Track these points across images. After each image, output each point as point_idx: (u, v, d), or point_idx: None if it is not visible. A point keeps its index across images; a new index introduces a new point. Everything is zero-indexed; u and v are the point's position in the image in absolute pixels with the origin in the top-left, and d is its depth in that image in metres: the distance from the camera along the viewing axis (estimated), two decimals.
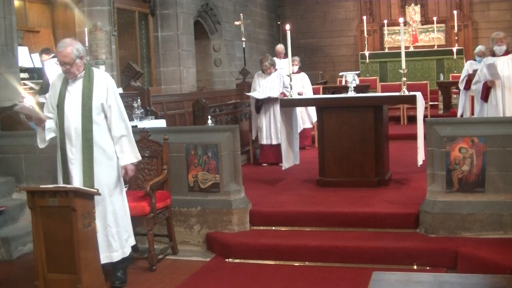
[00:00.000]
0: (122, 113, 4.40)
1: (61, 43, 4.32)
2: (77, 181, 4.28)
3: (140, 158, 4.53)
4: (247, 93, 8.94)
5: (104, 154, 4.36)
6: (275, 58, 8.82)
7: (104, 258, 4.35)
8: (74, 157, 4.29)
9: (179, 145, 5.38)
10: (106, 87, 4.35)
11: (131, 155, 4.42)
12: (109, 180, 4.39)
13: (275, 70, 8.19)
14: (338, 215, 5.23)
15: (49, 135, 4.36)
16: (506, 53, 7.03)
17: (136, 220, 4.71)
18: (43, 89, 7.86)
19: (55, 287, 4.07)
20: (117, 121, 4.36)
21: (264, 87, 8.07)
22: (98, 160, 4.32)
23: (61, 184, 4.31)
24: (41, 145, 4.43)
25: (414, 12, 16.38)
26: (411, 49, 15.42)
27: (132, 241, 4.61)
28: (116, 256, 4.42)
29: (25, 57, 8.36)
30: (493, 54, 7.16)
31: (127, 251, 4.52)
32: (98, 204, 4.29)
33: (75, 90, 4.32)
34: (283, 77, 8.05)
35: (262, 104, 8.07)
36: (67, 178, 4.32)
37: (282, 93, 7.95)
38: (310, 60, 17.82)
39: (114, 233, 4.40)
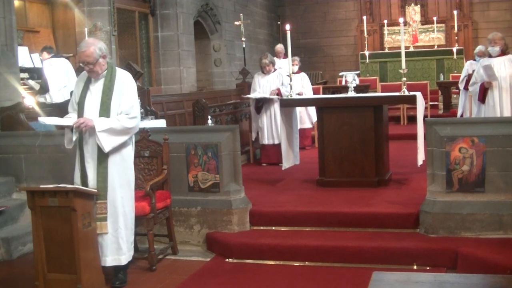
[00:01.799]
0: (134, 107, 4.37)
1: (83, 43, 4.33)
2: (91, 180, 4.28)
3: (102, 142, 4.23)
4: (244, 96, 8.94)
5: (119, 154, 4.36)
6: (275, 58, 8.81)
7: (113, 261, 4.35)
8: (89, 156, 4.30)
9: (179, 145, 5.38)
10: (126, 87, 4.35)
11: (102, 125, 4.20)
12: (122, 181, 4.38)
13: (275, 69, 8.18)
14: (338, 215, 5.23)
15: (76, 136, 4.34)
16: (502, 53, 7.03)
17: (136, 220, 4.69)
18: (42, 89, 7.88)
19: (55, 287, 4.08)
20: (126, 106, 4.33)
21: (264, 86, 8.06)
22: (112, 160, 4.31)
23: (77, 182, 4.31)
24: (68, 146, 4.42)
25: (414, 12, 16.38)
26: (411, 49, 15.43)
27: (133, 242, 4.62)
28: (125, 259, 4.41)
29: (25, 57, 8.36)
30: (490, 55, 7.17)
31: (132, 253, 4.52)
32: (110, 205, 4.29)
33: (96, 89, 4.33)
34: (283, 76, 8.03)
35: (262, 105, 8.06)
36: (84, 176, 4.31)
37: (277, 89, 7.91)
38: (310, 60, 17.82)
39: (124, 235, 4.39)
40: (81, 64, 4.33)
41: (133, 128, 4.39)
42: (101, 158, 4.28)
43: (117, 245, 4.36)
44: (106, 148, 4.24)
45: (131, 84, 4.44)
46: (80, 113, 4.32)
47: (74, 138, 4.34)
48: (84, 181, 4.29)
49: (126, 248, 4.41)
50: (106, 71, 4.34)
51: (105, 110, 4.27)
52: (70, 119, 4.34)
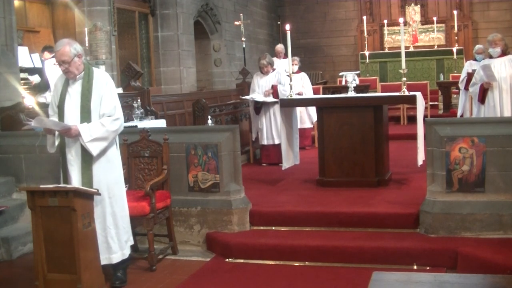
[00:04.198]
0: (116, 108, 4.32)
1: (58, 42, 4.31)
2: (75, 183, 4.26)
3: (91, 150, 4.20)
4: (242, 97, 8.92)
5: (104, 155, 4.34)
6: (274, 58, 8.79)
7: (103, 260, 4.34)
8: (73, 159, 4.29)
9: (179, 145, 5.37)
10: (104, 88, 4.30)
11: (89, 135, 4.17)
12: (109, 182, 4.37)
13: (273, 69, 8.17)
14: (338, 215, 5.23)
15: (58, 140, 4.33)
16: (503, 54, 7.04)
17: (136, 220, 4.71)
18: (42, 88, 7.87)
19: (55, 287, 4.07)
20: (108, 108, 4.28)
21: (262, 87, 8.06)
22: (97, 161, 4.30)
23: (61, 185, 4.31)
24: (51, 150, 4.40)
25: (414, 12, 16.38)
26: (411, 49, 15.42)
27: (131, 242, 4.61)
28: (116, 258, 4.41)
29: (25, 57, 8.36)
30: (490, 56, 7.19)
31: (127, 252, 4.51)
32: (97, 205, 4.28)
33: (74, 91, 4.29)
34: (280, 75, 8.03)
35: (261, 105, 8.06)
36: (66, 179, 4.32)
37: (274, 86, 7.90)
38: (310, 60, 17.81)
39: (114, 234, 4.39)
40: (56, 64, 4.29)
41: (117, 130, 4.37)
42: (86, 161, 4.26)
43: (106, 244, 4.36)
44: (94, 153, 4.24)
45: (111, 84, 4.39)
46: (61, 116, 4.29)
47: (57, 142, 4.33)
48: (67, 184, 4.26)
49: (118, 247, 4.41)
50: (83, 72, 4.30)
51: (85, 113, 4.25)
52: (58, 122, 4.28)
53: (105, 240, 4.36)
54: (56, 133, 4.30)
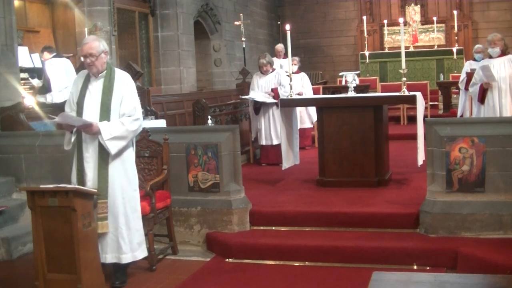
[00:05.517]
0: (136, 109, 4.37)
1: (87, 37, 4.41)
2: (90, 180, 4.29)
3: (109, 148, 4.24)
4: (241, 96, 8.92)
5: (119, 155, 4.35)
6: (274, 58, 8.77)
7: (112, 258, 4.36)
8: (90, 156, 4.30)
9: (179, 145, 5.38)
10: (125, 88, 4.35)
11: (109, 133, 4.21)
12: (123, 182, 4.38)
13: (273, 69, 8.16)
14: (338, 215, 5.23)
15: (74, 136, 4.34)
16: (502, 54, 7.04)
17: None
18: (44, 88, 7.87)
19: (55, 287, 4.08)
20: (129, 108, 4.33)
21: (262, 87, 8.05)
22: (112, 161, 4.32)
23: (74, 182, 4.31)
24: (67, 147, 4.41)
25: (414, 12, 16.38)
26: (411, 49, 15.42)
27: (144, 244, 4.55)
28: (125, 259, 4.40)
29: (25, 57, 8.35)
30: (490, 56, 7.19)
31: (139, 255, 4.49)
32: (110, 205, 4.30)
33: (95, 89, 4.33)
34: (280, 75, 8.03)
35: (261, 106, 8.05)
36: (81, 176, 4.31)
37: (274, 89, 7.90)
38: (310, 60, 17.82)
39: (125, 235, 4.38)
40: (82, 57, 4.33)
41: (137, 130, 4.43)
42: (103, 159, 4.29)
43: (117, 244, 4.36)
44: (113, 151, 4.27)
45: (131, 84, 4.45)
46: (80, 113, 4.32)
47: (73, 139, 4.35)
48: (82, 181, 4.29)
49: (128, 249, 4.40)
50: (105, 71, 4.35)
51: (105, 111, 4.28)
52: (79, 118, 4.29)
53: (116, 240, 4.36)
54: (73, 130, 4.31)
